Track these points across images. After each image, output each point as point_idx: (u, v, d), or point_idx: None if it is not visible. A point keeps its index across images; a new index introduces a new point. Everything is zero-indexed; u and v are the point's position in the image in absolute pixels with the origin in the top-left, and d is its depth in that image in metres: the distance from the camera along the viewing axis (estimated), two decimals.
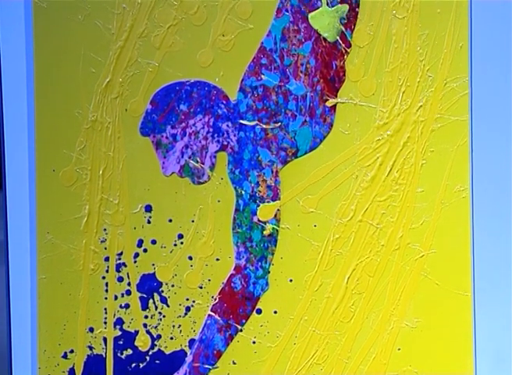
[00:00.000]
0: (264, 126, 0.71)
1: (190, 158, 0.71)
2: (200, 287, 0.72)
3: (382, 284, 0.71)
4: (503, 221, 0.70)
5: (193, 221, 0.72)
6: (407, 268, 0.71)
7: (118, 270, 0.72)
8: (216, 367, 0.72)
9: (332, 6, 0.70)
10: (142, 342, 0.72)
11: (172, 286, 0.72)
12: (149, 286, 0.72)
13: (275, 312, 0.72)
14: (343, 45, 0.70)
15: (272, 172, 0.71)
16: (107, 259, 0.72)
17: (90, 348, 0.72)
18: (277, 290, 0.72)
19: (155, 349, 0.72)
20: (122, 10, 0.71)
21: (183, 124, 0.71)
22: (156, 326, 0.72)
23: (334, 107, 0.71)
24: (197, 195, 0.72)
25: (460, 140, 0.70)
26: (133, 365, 0.72)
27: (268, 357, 0.72)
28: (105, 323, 0.72)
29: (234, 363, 0.72)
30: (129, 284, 0.72)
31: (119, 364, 0.72)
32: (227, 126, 0.71)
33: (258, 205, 0.71)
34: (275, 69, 0.71)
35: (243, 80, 0.71)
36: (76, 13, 0.71)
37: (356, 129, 0.71)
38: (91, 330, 0.72)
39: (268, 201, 0.71)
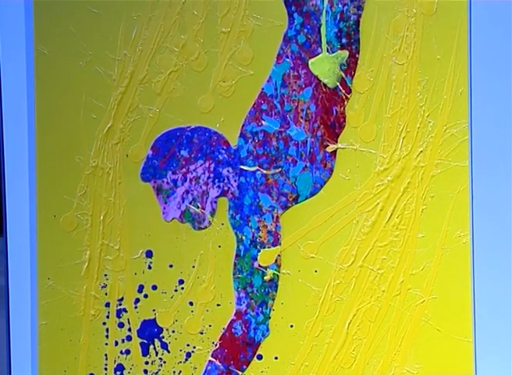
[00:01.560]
0: (264, 171, 0.71)
1: (190, 203, 0.72)
2: (201, 333, 0.72)
3: (382, 330, 0.71)
4: (504, 267, 0.70)
5: (193, 267, 0.72)
6: (407, 314, 0.71)
7: (118, 316, 0.72)
8: None
9: (332, 52, 0.71)
10: None
11: (173, 332, 0.72)
12: (150, 332, 0.72)
13: (276, 358, 0.72)
14: (343, 91, 0.71)
15: (273, 217, 0.71)
16: (107, 305, 0.72)
17: None
18: (278, 335, 0.72)
19: None
20: (123, 56, 0.71)
21: (184, 170, 0.72)
22: (157, 372, 0.72)
23: (334, 152, 0.71)
24: (198, 241, 0.72)
25: (460, 185, 0.70)
26: None
27: None
28: (106, 369, 0.72)
29: None
30: (129, 330, 0.72)
31: None
32: (228, 171, 0.71)
33: (259, 251, 0.72)
34: (276, 115, 0.71)
35: (243, 125, 0.71)
36: (77, 60, 0.71)
37: (356, 174, 0.71)
38: None
39: (268, 247, 0.71)
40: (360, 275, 0.71)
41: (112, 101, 0.71)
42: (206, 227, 0.72)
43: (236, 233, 0.72)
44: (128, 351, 0.72)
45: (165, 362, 0.72)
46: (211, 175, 0.71)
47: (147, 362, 0.72)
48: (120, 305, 0.72)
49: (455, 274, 0.70)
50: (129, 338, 0.72)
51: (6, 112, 0.71)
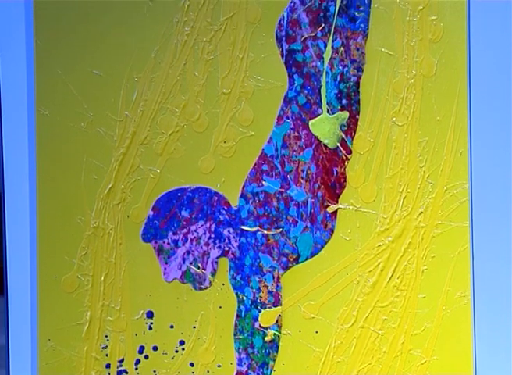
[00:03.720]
0: (265, 231, 0.71)
1: (191, 264, 0.72)
2: None
3: None
4: (505, 328, 0.70)
5: (194, 327, 0.72)
6: None
7: None
8: None
9: (333, 113, 0.71)
10: None
11: None
12: None
13: None
14: (344, 152, 0.71)
15: (274, 277, 0.71)
16: (108, 366, 0.72)
17: None
18: None
19: None
20: (124, 117, 0.71)
21: (185, 230, 0.72)
22: None
23: (335, 213, 0.71)
24: (199, 301, 0.72)
25: (460, 246, 0.70)
26: None
27: None
28: None
29: None
30: None
31: None
32: (228, 232, 0.72)
33: (260, 311, 0.71)
34: (276, 176, 0.71)
35: (244, 186, 0.71)
36: (78, 121, 0.71)
37: (357, 235, 0.71)
38: None
39: (269, 307, 0.71)
40: (361, 336, 0.71)
41: (113, 161, 0.71)
42: (207, 288, 0.72)
43: (236, 294, 0.71)
44: None
45: None
46: (212, 235, 0.72)
47: None
48: (121, 366, 0.72)
49: (456, 335, 0.70)
50: None
51: (8, 172, 0.72)
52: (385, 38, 0.70)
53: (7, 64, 0.71)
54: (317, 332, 0.71)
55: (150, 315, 0.72)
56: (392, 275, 0.71)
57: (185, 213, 0.72)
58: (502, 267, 0.70)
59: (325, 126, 0.71)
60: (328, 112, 0.71)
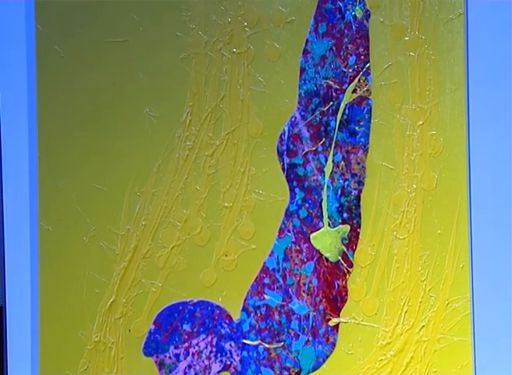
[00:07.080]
0: (267, 345, 0.71)
1: None
2: None
3: None
4: None
5: None
6: None
7: None
8: None
9: (334, 227, 0.71)
10: None
11: None
12: None
13: None
14: (345, 265, 0.71)
15: None
16: None
17: None
18: None
19: None
20: (126, 231, 0.72)
21: (186, 344, 0.72)
22: None
23: (337, 326, 0.71)
24: None
25: (462, 361, 0.70)
26: None
27: None
28: None
29: None
30: None
31: None
32: (230, 345, 0.71)
33: None
34: (278, 289, 0.71)
35: (246, 299, 0.71)
36: (81, 235, 0.72)
37: (359, 348, 0.71)
38: None
39: None
40: None
41: (115, 275, 0.72)
42: None
43: None
44: None
45: None
46: (214, 349, 0.71)
47: None
48: None
49: None
50: None
51: (10, 286, 0.72)
52: (385, 152, 0.71)
53: (10, 179, 0.72)
54: None
55: None
56: None
57: (186, 327, 0.72)
58: None
59: (327, 240, 0.71)
60: (329, 225, 0.71)
